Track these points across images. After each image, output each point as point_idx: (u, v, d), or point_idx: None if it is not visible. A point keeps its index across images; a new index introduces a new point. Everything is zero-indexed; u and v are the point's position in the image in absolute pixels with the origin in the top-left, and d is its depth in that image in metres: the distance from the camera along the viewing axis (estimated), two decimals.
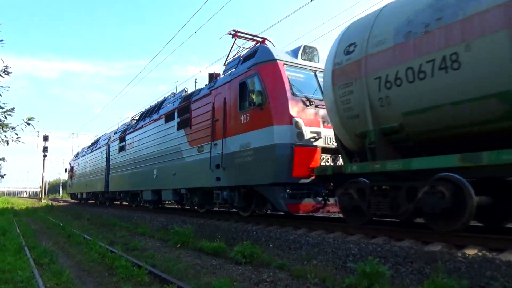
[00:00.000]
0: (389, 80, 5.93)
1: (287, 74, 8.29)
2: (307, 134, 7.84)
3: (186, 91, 13.29)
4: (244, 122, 8.65)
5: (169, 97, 14.61)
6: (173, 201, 14.89)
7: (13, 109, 8.69)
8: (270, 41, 11.40)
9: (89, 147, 27.70)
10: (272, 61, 8.37)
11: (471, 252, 4.75)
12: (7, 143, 8.90)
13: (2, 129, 8.54)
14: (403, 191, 5.87)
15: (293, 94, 8.06)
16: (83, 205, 25.60)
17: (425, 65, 5.44)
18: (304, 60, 8.84)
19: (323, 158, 8.02)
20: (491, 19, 4.78)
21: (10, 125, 8.70)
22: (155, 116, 14.18)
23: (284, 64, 8.41)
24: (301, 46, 8.96)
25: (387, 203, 6.09)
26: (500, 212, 6.04)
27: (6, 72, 8.62)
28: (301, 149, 7.65)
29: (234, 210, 10.86)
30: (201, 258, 6.78)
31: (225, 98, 9.46)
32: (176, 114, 12.23)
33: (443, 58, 5.22)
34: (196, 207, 12.29)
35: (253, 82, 8.44)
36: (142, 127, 15.42)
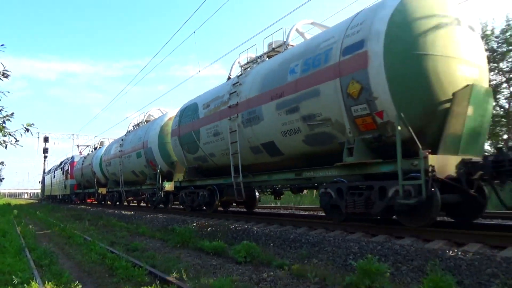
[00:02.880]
0: None
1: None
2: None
3: (68, 159, 35.51)
4: (69, 176, 32.93)
5: (65, 160, 38.02)
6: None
7: (12, 114, 8.64)
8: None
9: (48, 171, 49.36)
10: (73, 161, 32.89)
11: (471, 249, 4.74)
12: (6, 147, 8.87)
13: (1, 132, 8.52)
14: None
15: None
16: (75, 205, 27.19)
17: None
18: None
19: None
20: None
21: (7, 131, 8.66)
22: (59, 167, 39.03)
23: (76, 162, 31.82)
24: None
25: None
26: None
27: (5, 75, 8.58)
28: (76, 184, 31.34)
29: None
30: (201, 258, 6.77)
31: (69, 168, 33.18)
32: (63, 168, 35.84)
33: None
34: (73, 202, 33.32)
35: (68, 166, 33.41)
36: (57, 169, 40.58)
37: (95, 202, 27.52)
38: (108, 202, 23.18)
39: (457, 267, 4.43)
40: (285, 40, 9.38)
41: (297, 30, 9.63)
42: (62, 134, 50.48)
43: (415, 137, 5.60)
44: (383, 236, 6.10)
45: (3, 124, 8.30)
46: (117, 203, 21.16)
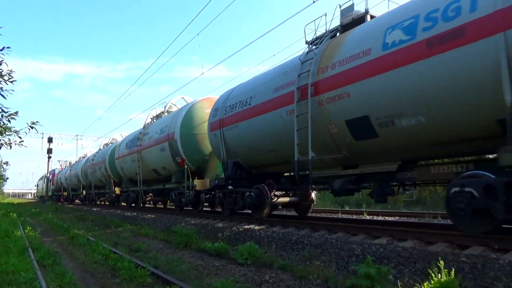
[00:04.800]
0: None
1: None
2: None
3: (52, 171, 48.57)
4: (51, 183, 46.31)
5: (51, 171, 47.93)
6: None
7: (16, 113, 8.72)
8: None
9: (40, 178, 62.92)
10: (54, 173, 47.71)
11: (474, 252, 4.72)
12: (10, 147, 8.94)
13: (6, 133, 8.59)
14: None
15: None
16: (77, 205, 27.08)
17: None
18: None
19: None
20: None
21: (13, 129, 8.74)
22: (44, 177, 50.88)
23: (56, 174, 46.51)
24: None
25: None
26: None
27: (10, 80, 8.66)
28: (55, 189, 45.56)
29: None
30: (203, 259, 6.77)
31: (51, 177, 46.53)
32: (47, 178, 46.32)
33: None
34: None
35: (51, 176, 46.56)
36: (46, 177, 47.03)
37: (63, 200, 41.35)
38: (67, 201, 38.96)
39: (460, 270, 4.41)
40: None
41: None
42: (66, 135, 50.79)
43: (189, 171, 12.64)
44: (386, 238, 6.09)
45: (8, 124, 8.37)
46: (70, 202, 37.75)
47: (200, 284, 5.00)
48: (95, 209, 22.26)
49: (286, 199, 9.50)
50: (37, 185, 70.97)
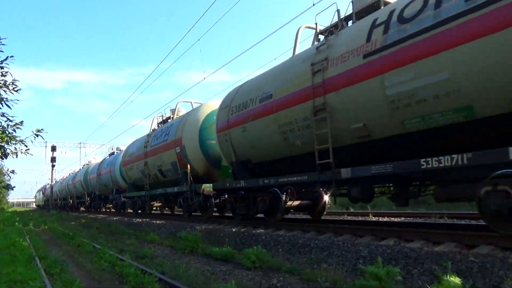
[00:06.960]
0: None
1: None
2: None
3: (44, 185, 62.76)
4: (43, 195, 61.76)
5: (44, 185, 63.90)
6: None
7: (21, 122, 8.78)
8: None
9: (38, 190, 76.75)
10: (45, 188, 60.61)
11: (482, 251, 4.70)
12: (17, 155, 9.01)
13: (12, 142, 8.65)
14: None
15: None
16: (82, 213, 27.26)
17: None
18: None
19: None
20: None
21: (19, 138, 8.81)
22: (41, 190, 68.91)
23: (46, 188, 60.25)
24: None
25: None
26: None
27: (15, 89, 8.74)
28: (45, 199, 60.52)
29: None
30: (210, 264, 6.76)
31: (44, 190, 60.48)
32: (51, 187, 46.60)
33: None
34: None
35: (44, 189, 61.75)
36: (49, 188, 49.09)
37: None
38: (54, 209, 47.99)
39: (469, 269, 4.40)
40: None
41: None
42: (69, 143, 51.18)
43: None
44: (393, 239, 6.08)
45: (14, 133, 8.44)
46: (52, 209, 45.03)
47: None
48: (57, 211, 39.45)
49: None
50: (36, 196, 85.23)
